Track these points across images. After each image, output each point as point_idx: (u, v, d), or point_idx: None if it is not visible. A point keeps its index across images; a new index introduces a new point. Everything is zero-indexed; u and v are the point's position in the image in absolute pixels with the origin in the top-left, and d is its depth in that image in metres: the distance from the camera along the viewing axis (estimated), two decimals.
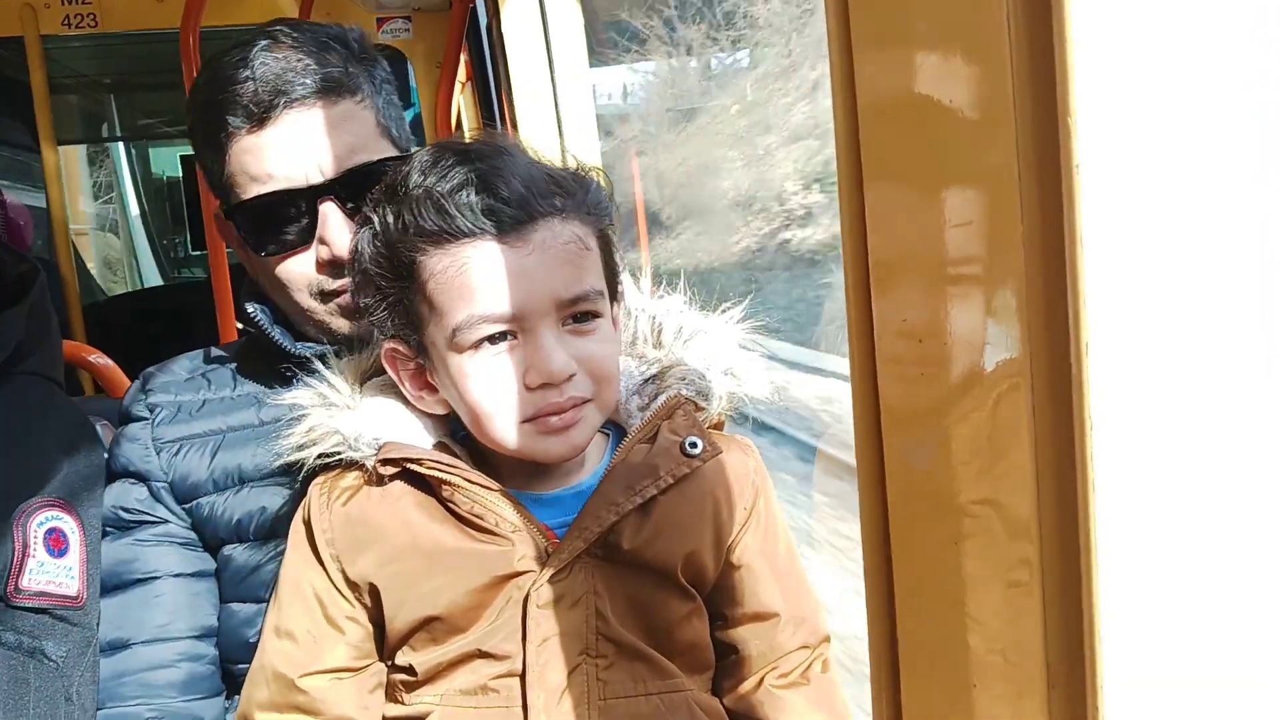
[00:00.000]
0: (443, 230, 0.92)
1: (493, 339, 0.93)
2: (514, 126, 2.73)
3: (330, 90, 1.16)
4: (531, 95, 2.68)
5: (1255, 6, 0.46)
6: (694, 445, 0.99)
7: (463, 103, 3.29)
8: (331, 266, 1.16)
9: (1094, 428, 0.50)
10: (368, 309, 1.02)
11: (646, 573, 0.99)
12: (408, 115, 3.82)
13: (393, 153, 1.20)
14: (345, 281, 1.15)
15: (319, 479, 1.04)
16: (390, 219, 0.95)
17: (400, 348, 1.00)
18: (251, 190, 1.15)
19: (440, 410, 1.01)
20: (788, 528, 1.09)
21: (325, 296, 1.17)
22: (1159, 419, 0.51)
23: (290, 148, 1.14)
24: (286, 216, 1.16)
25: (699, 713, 1.00)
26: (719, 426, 1.10)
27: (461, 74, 3.19)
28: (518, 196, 0.92)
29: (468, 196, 0.92)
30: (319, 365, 1.07)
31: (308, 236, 1.16)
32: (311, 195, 1.14)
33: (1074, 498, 0.53)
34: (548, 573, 0.96)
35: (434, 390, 1.00)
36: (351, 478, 1.03)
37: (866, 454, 0.67)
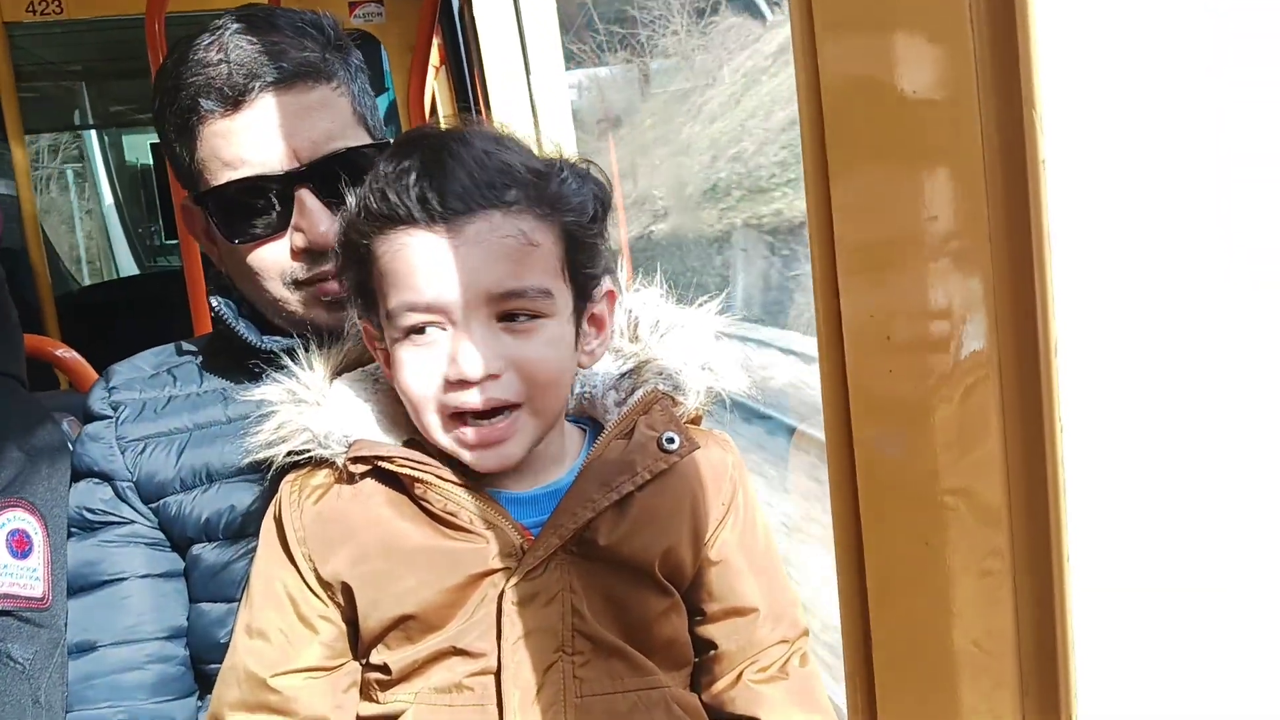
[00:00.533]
0: (384, 215, 0.92)
1: (421, 329, 0.93)
2: (487, 111, 2.70)
3: (306, 75, 1.14)
4: (505, 80, 2.66)
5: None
6: (671, 441, 0.98)
7: (436, 88, 3.26)
8: (307, 254, 1.14)
9: (1062, 417, 0.49)
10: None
11: (623, 569, 0.98)
12: (382, 101, 3.79)
13: (368, 140, 1.18)
14: (320, 269, 1.13)
15: (290, 476, 1.03)
16: (352, 201, 0.97)
17: (369, 326, 1.01)
18: (224, 176, 1.13)
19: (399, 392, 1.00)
20: (766, 522, 1.08)
21: (299, 285, 1.15)
22: (1127, 406, 0.50)
23: (265, 133, 1.12)
24: (261, 204, 1.13)
25: (677, 710, 1.00)
26: (697, 421, 1.09)
27: (435, 58, 3.16)
28: (458, 186, 0.90)
29: (408, 183, 0.91)
30: (288, 360, 1.05)
31: (282, 224, 1.14)
32: (287, 182, 1.12)
33: (1044, 486, 0.52)
34: (523, 570, 0.95)
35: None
36: (322, 475, 1.02)
37: (837, 446, 0.67)
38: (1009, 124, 0.47)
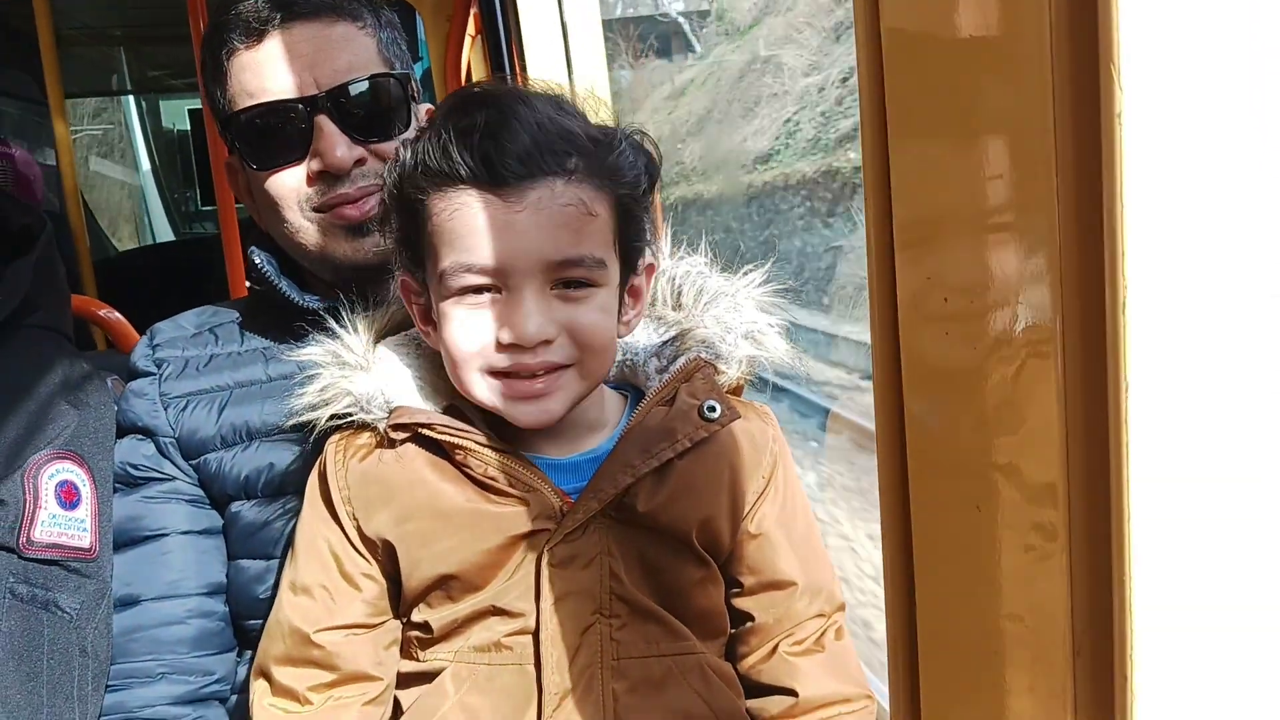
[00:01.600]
0: (443, 173, 0.92)
1: (476, 289, 0.93)
2: (524, 82, 2.68)
3: (331, 10, 1.16)
4: (542, 49, 2.64)
5: None
6: (712, 409, 0.98)
7: (472, 58, 3.24)
8: (323, 179, 1.15)
9: (1129, 392, 0.48)
10: (387, 239, 1.03)
11: (661, 536, 0.98)
12: (417, 69, 3.77)
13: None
14: (336, 193, 1.15)
15: (335, 437, 1.04)
16: (407, 155, 0.96)
17: (410, 280, 1.00)
18: (247, 104, 1.16)
19: (436, 345, 1.00)
20: (805, 495, 1.08)
21: (317, 211, 1.16)
22: (1195, 384, 0.49)
23: (287, 62, 1.14)
24: (279, 128, 1.15)
25: (711, 675, 1.00)
26: (738, 391, 1.09)
27: (471, 27, 3.13)
28: (522, 150, 0.90)
29: (472, 143, 0.90)
30: (332, 322, 1.06)
31: (301, 150, 1.15)
32: (306, 108, 1.14)
33: (1104, 463, 0.51)
34: (562, 532, 0.96)
35: (432, 324, 1.00)
36: (366, 437, 1.02)
37: (886, 414, 0.66)
38: (1083, 75, 0.45)
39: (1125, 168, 0.44)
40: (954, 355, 0.59)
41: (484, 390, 0.95)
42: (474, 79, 3.25)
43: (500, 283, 0.92)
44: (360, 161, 1.15)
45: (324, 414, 1.02)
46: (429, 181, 0.93)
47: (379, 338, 1.07)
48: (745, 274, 1.09)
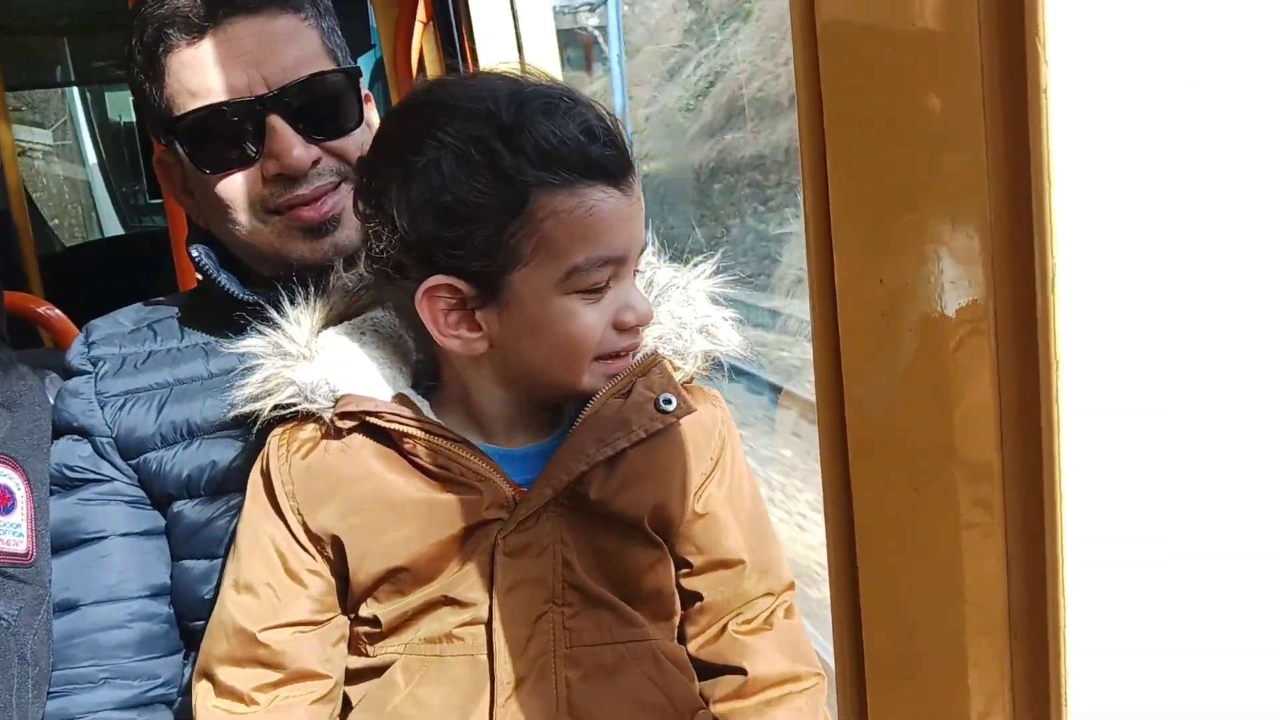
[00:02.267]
0: (576, 171, 0.91)
1: (600, 281, 0.94)
2: (475, 69, 2.66)
3: (274, 3, 1.12)
4: (493, 35, 2.61)
5: None
6: (668, 402, 0.98)
7: (424, 45, 3.20)
8: (279, 180, 1.12)
9: (1059, 368, 0.48)
10: (404, 243, 0.94)
11: (613, 523, 0.98)
12: (369, 58, 3.73)
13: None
14: (294, 194, 1.11)
15: (277, 430, 1.02)
16: (500, 148, 0.90)
17: (457, 283, 0.93)
18: (191, 106, 1.11)
19: (476, 350, 0.97)
20: (753, 476, 1.08)
21: (272, 214, 1.13)
22: (1125, 359, 0.49)
23: (232, 59, 1.10)
24: (230, 131, 1.11)
25: (664, 661, 1.00)
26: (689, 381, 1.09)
27: (422, 14, 3.10)
28: (625, 147, 0.95)
29: (595, 141, 0.92)
30: (273, 312, 1.04)
31: (254, 152, 1.12)
32: (256, 108, 1.10)
33: (1037, 439, 0.51)
34: (515, 520, 0.95)
35: (477, 329, 0.96)
36: (310, 429, 1.01)
37: (826, 397, 0.66)
38: (1010, 51, 0.45)
39: (1053, 142, 0.44)
40: (890, 336, 0.59)
41: (586, 376, 0.97)
42: (425, 66, 3.22)
43: (620, 271, 0.96)
44: (315, 161, 1.12)
45: (266, 405, 1.00)
46: (553, 178, 0.91)
47: (322, 327, 1.05)
48: (695, 265, 1.09)
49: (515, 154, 0.90)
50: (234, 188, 1.13)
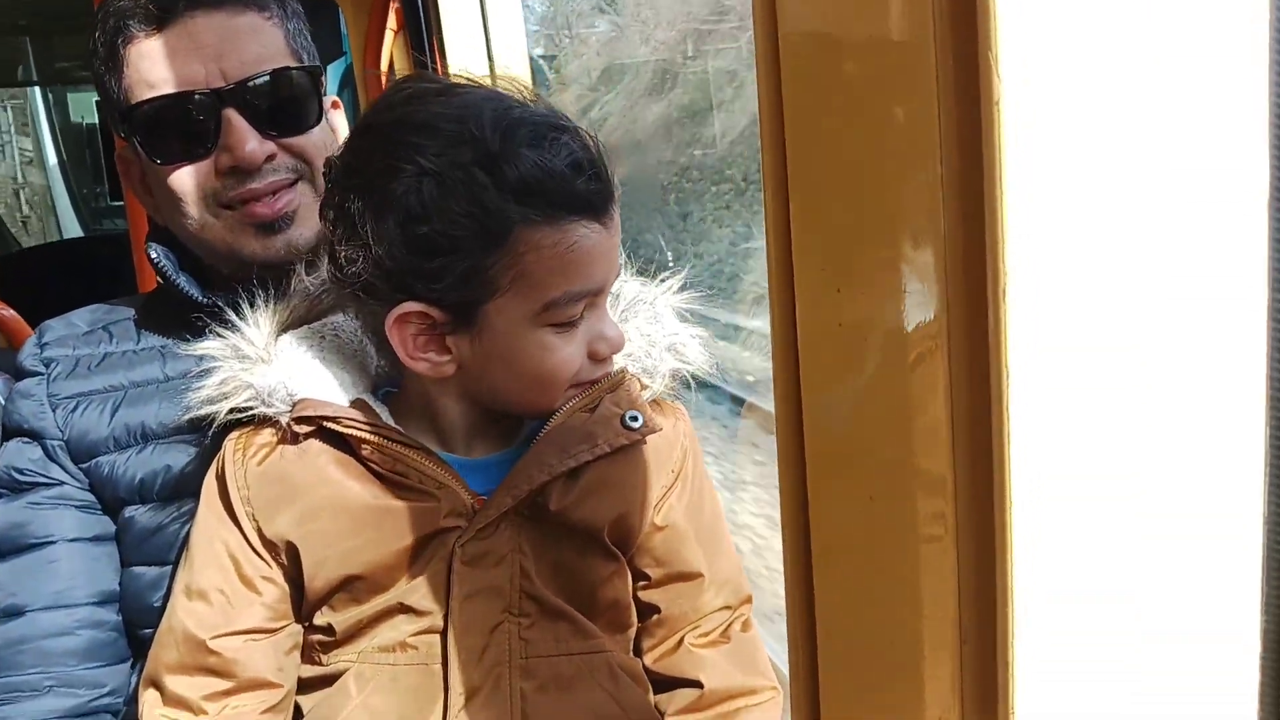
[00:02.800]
0: (560, 207, 0.90)
1: (576, 314, 0.94)
2: (445, 73, 2.65)
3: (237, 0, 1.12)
4: (464, 44, 2.61)
5: None
6: (634, 419, 0.98)
7: (395, 52, 3.19)
8: (232, 174, 1.11)
9: (1010, 383, 0.49)
10: (378, 261, 0.91)
11: (573, 534, 0.98)
12: (339, 65, 3.71)
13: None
14: (247, 188, 1.10)
15: (234, 434, 1.01)
16: (484, 179, 0.88)
17: (430, 310, 0.92)
18: (148, 96, 1.11)
19: (444, 372, 0.96)
20: (714, 489, 1.08)
21: (225, 208, 1.12)
22: (1076, 374, 0.50)
23: (191, 52, 1.09)
24: (185, 121, 1.10)
25: (620, 673, 1.00)
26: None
27: (393, 22, 3.09)
28: (609, 179, 0.94)
29: (581, 175, 0.91)
30: (232, 315, 1.03)
31: (207, 144, 1.11)
32: (213, 100, 1.09)
33: (989, 455, 0.52)
34: (474, 528, 0.95)
35: (447, 352, 0.95)
36: (267, 434, 0.99)
37: (785, 409, 0.66)
38: (964, 71, 0.46)
39: (1005, 156, 0.45)
40: (848, 350, 0.60)
41: (562, 401, 0.98)
42: (395, 74, 3.21)
43: (594, 301, 0.95)
44: (271, 157, 1.11)
45: (223, 408, 0.99)
46: (536, 213, 0.89)
47: (281, 331, 1.04)
48: (662, 280, 1.09)
49: (500, 186, 0.88)
50: (186, 180, 1.12)
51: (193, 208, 1.12)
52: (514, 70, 2.64)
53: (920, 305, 0.55)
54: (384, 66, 3.09)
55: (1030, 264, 0.47)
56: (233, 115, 1.10)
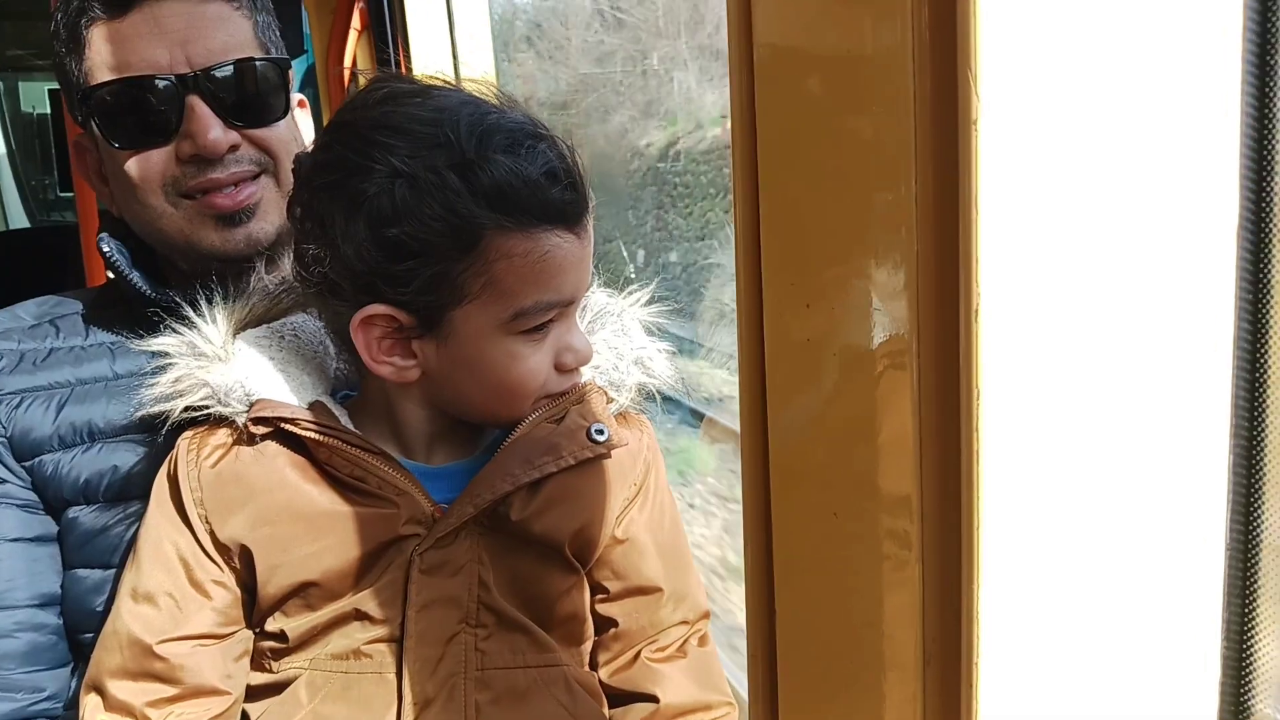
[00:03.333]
0: (534, 216, 0.89)
1: (544, 322, 0.92)
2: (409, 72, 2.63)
3: None
4: (429, 45, 2.59)
5: None
6: (600, 432, 0.97)
7: (358, 52, 3.16)
8: (194, 162, 1.08)
9: (980, 402, 0.49)
10: (346, 262, 0.90)
11: (532, 545, 0.96)
12: (302, 63, 3.66)
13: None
14: (208, 177, 1.08)
15: (187, 434, 0.98)
16: (457, 184, 0.87)
17: (396, 313, 0.90)
18: (109, 79, 1.08)
19: (408, 377, 0.94)
20: (675, 504, 1.07)
21: (185, 197, 1.10)
22: (1046, 395, 0.50)
23: (156, 36, 1.07)
24: (147, 106, 1.08)
25: (576, 687, 0.99)
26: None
27: (357, 22, 3.06)
28: (584, 189, 0.93)
29: (556, 184, 0.89)
30: (189, 310, 1.00)
31: (169, 130, 1.08)
32: (177, 86, 1.07)
33: (956, 474, 0.52)
34: (433, 537, 0.93)
35: (412, 356, 0.93)
36: (222, 434, 0.97)
37: (750, 423, 0.66)
38: (942, 87, 0.46)
39: (981, 176, 0.45)
40: (815, 365, 0.60)
41: (526, 411, 0.97)
42: (358, 74, 3.17)
43: (564, 311, 0.94)
44: (234, 147, 1.09)
45: (177, 406, 0.96)
46: (509, 220, 0.88)
47: (239, 329, 1.02)
48: (630, 293, 1.08)
49: (474, 192, 0.87)
50: (145, 167, 1.09)
51: (151, 196, 1.10)
52: (480, 71, 2.62)
53: (889, 322, 0.55)
54: (348, 65, 3.06)
55: (1004, 284, 0.47)
56: (196, 102, 1.08)
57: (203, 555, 0.95)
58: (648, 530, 1.02)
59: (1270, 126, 0.46)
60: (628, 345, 1.05)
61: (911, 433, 0.55)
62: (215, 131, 1.07)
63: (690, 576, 1.06)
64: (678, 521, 1.07)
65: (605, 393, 1.02)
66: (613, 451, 0.99)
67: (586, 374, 1.01)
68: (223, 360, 0.97)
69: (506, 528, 0.95)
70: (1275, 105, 0.46)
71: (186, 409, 0.96)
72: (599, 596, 1.02)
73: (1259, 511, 0.50)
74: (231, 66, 1.09)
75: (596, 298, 1.07)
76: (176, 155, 1.08)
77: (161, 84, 1.07)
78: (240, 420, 0.95)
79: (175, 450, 0.98)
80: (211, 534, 0.95)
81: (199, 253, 1.10)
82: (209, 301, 1.01)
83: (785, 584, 0.65)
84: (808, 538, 0.63)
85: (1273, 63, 0.46)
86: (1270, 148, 0.47)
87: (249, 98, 1.11)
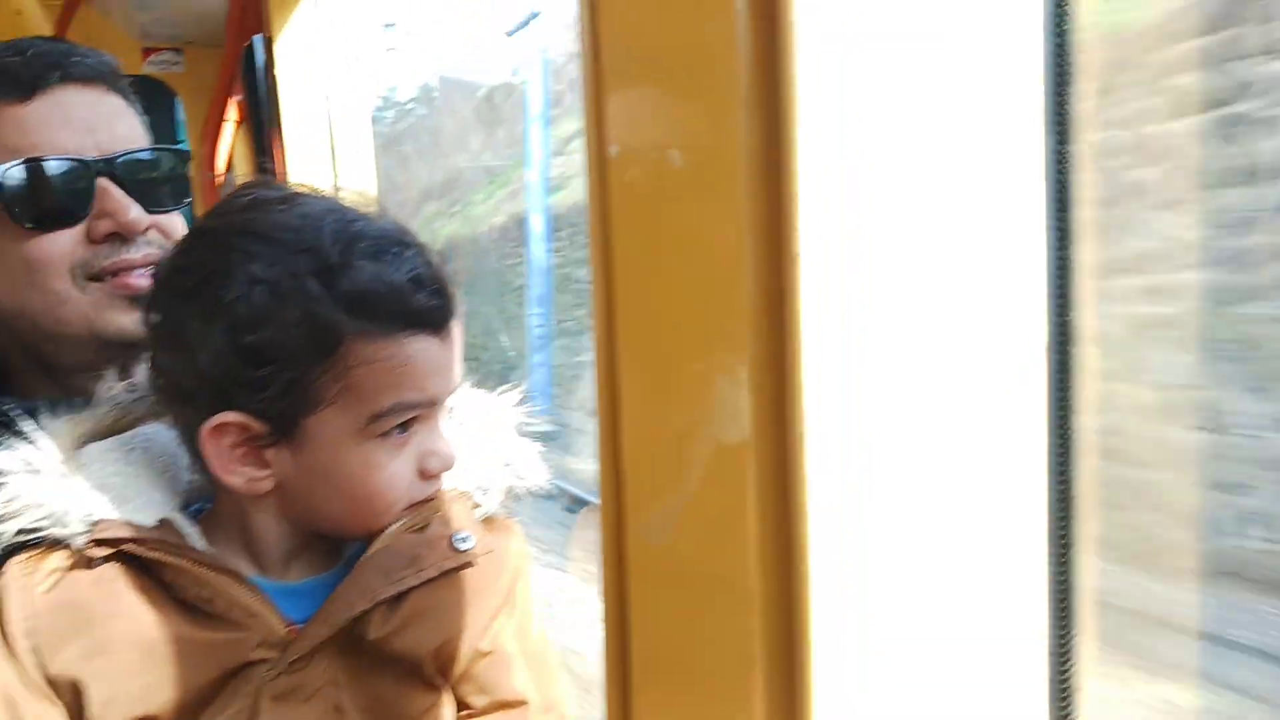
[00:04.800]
0: (396, 321, 0.87)
1: (402, 426, 0.90)
2: (285, 175, 2.61)
3: (105, 80, 1.12)
4: (307, 148, 2.58)
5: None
6: (464, 540, 0.94)
7: (235, 145, 3.13)
8: (112, 240, 1.08)
9: (810, 502, 0.50)
10: (196, 369, 0.88)
11: (392, 665, 0.93)
12: None
13: None
14: (123, 258, 1.07)
15: (19, 558, 0.92)
16: (317, 290, 0.85)
17: (249, 421, 0.88)
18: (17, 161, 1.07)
19: (260, 489, 0.91)
20: (541, 611, 1.05)
21: (94, 279, 1.08)
22: (874, 490, 0.51)
23: (64, 122, 1.08)
24: (58, 188, 1.07)
25: None
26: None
27: (235, 114, 3.03)
28: (450, 294, 0.92)
29: (421, 290, 0.89)
30: (25, 424, 0.95)
31: (78, 213, 1.07)
32: (89, 169, 1.08)
33: (790, 568, 0.53)
34: (286, 661, 0.89)
35: (265, 466, 0.90)
36: (59, 557, 0.91)
37: (610, 523, 0.66)
38: (770, 189, 0.48)
39: (802, 278, 0.47)
40: (668, 467, 0.60)
41: (387, 521, 0.93)
42: (233, 167, 3.13)
43: (428, 414, 0.92)
44: (148, 229, 1.10)
45: (10, 529, 0.90)
46: (372, 326, 0.87)
47: (85, 441, 0.97)
48: (502, 393, 1.07)
49: (334, 297, 0.86)
50: (52, 248, 1.07)
51: (54, 280, 1.08)
52: (359, 175, 2.61)
53: (731, 419, 0.55)
54: (222, 165, 3.02)
55: (828, 382, 0.49)
56: (109, 184, 1.08)
57: (28, 694, 0.88)
58: (515, 640, 0.99)
59: (1066, 131, 0.50)
60: (496, 446, 1.03)
61: (756, 529, 0.55)
62: (135, 211, 1.08)
63: (556, 685, 1.03)
64: (544, 628, 1.04)
65: (471, 497, 1.00)
66: (479, 559, 0.96)
67: (452, 478, 0.99)
68: (63, 477, 0.92)
69: (364, 647, 0.91)
70: (1070, 108, 0.51)
71: (20, 531, 0.90)
72: (464, 713, 0.99)
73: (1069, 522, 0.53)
74: (146, 153, 1.12)
75: (464, 396, 1.05)
76: (89, 237, 1.08)
77: (72, 165, 1.07)
78: (78, 543, 0.90)
79: (5, 577, 0.91)
80: (42, 668, 0.88)
81: (103, 339, 1.08)
82: (53, 411, 0.96)
83: (643, 690, 0.64)
84: (663, 643, 0.63)
85: (1069, 65, 0.50)
86: (1065, 151, 0.51)
87: (157, 183, 1.13)
